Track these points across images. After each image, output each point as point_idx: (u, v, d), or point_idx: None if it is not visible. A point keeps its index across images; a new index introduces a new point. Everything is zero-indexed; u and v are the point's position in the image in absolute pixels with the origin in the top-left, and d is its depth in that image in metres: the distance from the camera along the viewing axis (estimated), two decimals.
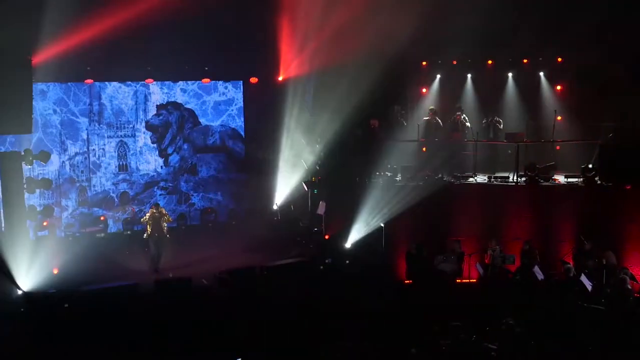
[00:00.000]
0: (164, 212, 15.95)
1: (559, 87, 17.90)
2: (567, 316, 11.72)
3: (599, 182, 15.14)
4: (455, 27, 16.03)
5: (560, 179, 15.92)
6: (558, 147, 16.79)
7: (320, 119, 18.25)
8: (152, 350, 11.10)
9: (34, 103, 16.45)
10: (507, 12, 16.28)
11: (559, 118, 16.68)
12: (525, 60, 18.12)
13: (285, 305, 12.89)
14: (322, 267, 15.82)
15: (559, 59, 17.69)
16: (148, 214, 15.83)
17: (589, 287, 12.68)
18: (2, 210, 15.68)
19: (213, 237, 18.50)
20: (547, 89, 17.98)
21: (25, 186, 16.19)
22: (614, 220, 14.62)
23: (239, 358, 10.26)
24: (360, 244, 16.00)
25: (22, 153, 16.07)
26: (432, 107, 17.70)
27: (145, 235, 15.74)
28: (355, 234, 16.09)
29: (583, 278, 12.82)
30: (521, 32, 16.48)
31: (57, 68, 16.10)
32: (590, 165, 15.34)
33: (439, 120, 17.31)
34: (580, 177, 15.49)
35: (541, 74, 18.04)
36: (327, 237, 17.01)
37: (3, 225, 15.53)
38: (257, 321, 12.04)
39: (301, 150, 19.18)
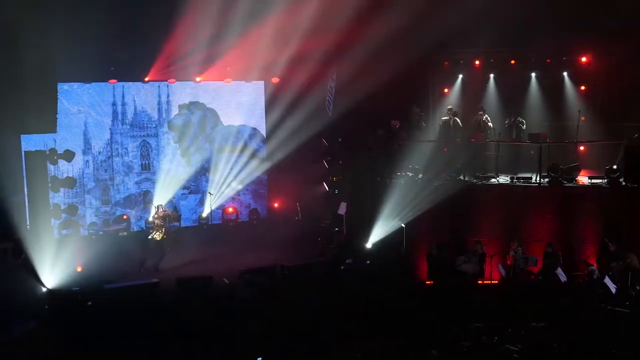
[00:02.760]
0: (168, 212, 16.35)
1: (582, 87, 17.71)
2: (590, 319, 11.60)
3: (623, 183, 14.97)
4: (477, 26, 15.96)
5: (584, 180, 15.76)
6: (582, 148, 16.63)
7: (341, 118, 18.25)
8: (174, 349, 11.18)
9: (58, 103, 16.70)
10: (530, 11, 16.14)
11: (582, 118, 16.52)
12: (548, 60, 17.94)
13: (306, 305, 12.91)
14: (342, 267, 15.84)
15: (583, 59, 17.50)
16: (157, 220, 16.04)
17: (613, 290, 12.55)
18: (27, 209, 15.89)
19: (234, 236, 18.59)
20: (571, 89, 17.79)
21: (50, 185, 16.45)
22: (638, 222, 14.44)
23: (259, 358, 10.29)
24: (381, 244, 16.00)
25: (47, 152, 16.32)
26: (450, 107, 17.62)
27: (158, 237, 15.98)
28: (376, 234, 16.08)
29: (607, 280, 12.69)
30: (545, 31, 16.34)
31: (81, 68, 16.30)
32: (614, 167, 15.16)
33: (458, 120, 17.23)
34: (604, 179, 15.32)
35: (565, 73, 17.85)
36: (348, 237, 17.02)
37: (28, 223, 15.75)
38: (278, 321, 12.07)
39: (323, 150, 19.22)
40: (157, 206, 16.51)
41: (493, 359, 9.66)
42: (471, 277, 14.60)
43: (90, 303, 13.14)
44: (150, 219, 16.43)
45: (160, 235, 15.97)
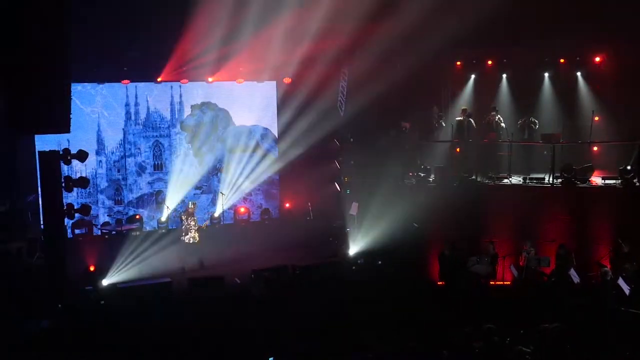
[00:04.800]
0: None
1: (596, 87, 17.58)
2: (603, 320, 11.53)
3: (637, 184, 14.88)
4: (490, 26, 15.90)
5: (598, 180, 15.67)
6: (595, 148, 16.53)
7: (353, 119, 18.24)
8: (185, 348, 11.22)
9: (71, 103, 16.78)
10: (543, 10, 16.05)
11: (596, 118, 16.42)
12: (562, 60, 17.84)
13: (317, 305, 12.91)
14: (354, 267, 15.83)
15: (597, 59, 17.39)
16: (191, 218, 16.05)
17: (627, 291, 12.46)
18: (41, 208, 15.99)
19: (246, 236, 18.61)
20: (584, 89, 17.69)
21: (63, 185, 16.53)
22: None
23: (271, 357, 10.30)
24: (392, 244, 15.96)
25: (61, 152, 16.39)
26: (464, 107, 17.59)
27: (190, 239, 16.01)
28: (388, 234, 16.05)
29: (620, 281, 12.61)
30: (558, 31, 16.25)
31: (94, 68, 16.37)
32: (628, 167, 15.08)
33: (471, 121, 17.17)
34: (618, 179, 15.23)
35: (578, 73, 17.74)
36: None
37: (42, 222, 15.84)
38: (289, 321, 12.09)
39: (334, 151, 19.21)
40: (189, 203, 16.55)
41: None
42: (483, 278, 14.56)
43: (102, 302, 13.22)
44: (188, 220, 16.34)
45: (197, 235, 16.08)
